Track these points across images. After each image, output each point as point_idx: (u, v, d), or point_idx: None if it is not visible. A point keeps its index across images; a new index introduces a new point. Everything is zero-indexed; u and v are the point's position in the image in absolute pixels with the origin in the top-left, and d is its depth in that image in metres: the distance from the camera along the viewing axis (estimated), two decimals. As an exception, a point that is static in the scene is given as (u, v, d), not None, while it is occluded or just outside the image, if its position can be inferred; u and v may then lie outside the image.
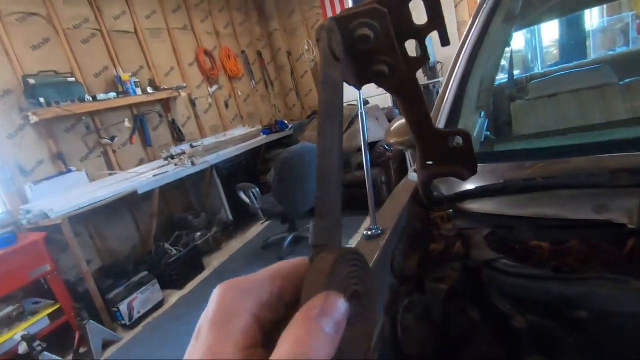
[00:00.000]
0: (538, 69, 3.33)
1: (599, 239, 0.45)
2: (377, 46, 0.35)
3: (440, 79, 4.80)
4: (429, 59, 0.38)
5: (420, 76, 5.03)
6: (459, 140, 0.49)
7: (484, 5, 1.10)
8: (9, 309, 2.71)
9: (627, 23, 3.45)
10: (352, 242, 3.63)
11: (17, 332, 2.58)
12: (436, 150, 0.51)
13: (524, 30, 3.68)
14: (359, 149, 4.24)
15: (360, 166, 4.26)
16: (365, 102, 4.85)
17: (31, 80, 3.21)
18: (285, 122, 5.60)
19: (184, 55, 4.86)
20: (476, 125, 1.25)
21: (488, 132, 1.31)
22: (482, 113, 1.41)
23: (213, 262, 4.01)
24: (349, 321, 0.26)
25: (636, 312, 0.34)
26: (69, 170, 3.47)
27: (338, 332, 0.20)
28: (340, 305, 0.21)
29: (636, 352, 0.34)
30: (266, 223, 4.59)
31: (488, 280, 0.47)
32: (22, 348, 2.48)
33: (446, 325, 0.53)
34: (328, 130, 0.28)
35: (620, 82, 1.45)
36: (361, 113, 0.80)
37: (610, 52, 3.02)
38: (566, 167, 0.54)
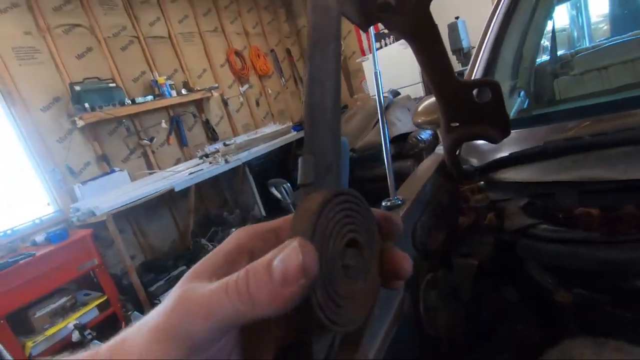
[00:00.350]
0: (585, 45, 3.05)
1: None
2: None
3: (476, 65, 4.56)
4: None
5: (455, 63, 4.82)
6: (487, 94, 0.43)
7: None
8: (64, 300, 2.92)
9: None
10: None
11: (71, 321, 2.77)
12: (462, 108, 0.46)
13: (568, 5, 3.39)
14: (392, 141, 4.13)
15: (395, 158, 4.15)
16: (396, 94, 4.73)
17: (77, 87, 3.43)
18: (316, 118, 5.60)
19: (215, 57, 4.99)
20: (514, 104, 1.15)
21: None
22: (522, 93, 1.30)
23: (248, 257, 4.09)
24: (347, 274, 0.23)
25: None
26: (113, 171, 3.68)
27: (286, 286, 0.17)
28: (293, 254, 0.17)
29: None
30: (298, 219, 4.61)
31: (525, 252, 0.41)
32: (75, 336, 2.66)
33: (477, 304, 0.47)
34: (318, 58, 0.25)
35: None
36: (376, 73, 0.75)
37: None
38: (619, 123, 0.46)
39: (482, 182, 0.58)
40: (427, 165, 0.68)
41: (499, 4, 1.11)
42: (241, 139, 4.80)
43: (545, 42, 1.95)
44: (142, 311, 3.14)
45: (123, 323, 2.99)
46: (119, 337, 0.21)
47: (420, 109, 1.23)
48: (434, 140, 4.16)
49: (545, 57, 1.99)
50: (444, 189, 0.59)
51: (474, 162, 0.65)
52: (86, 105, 3.38)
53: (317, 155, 0.24)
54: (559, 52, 2.21)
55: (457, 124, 0.48)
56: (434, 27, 0.36)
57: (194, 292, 0.19)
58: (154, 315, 0.20)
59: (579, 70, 1.44)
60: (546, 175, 0.49)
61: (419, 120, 1.19)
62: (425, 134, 4.14)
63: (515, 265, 0.46)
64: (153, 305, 3.28)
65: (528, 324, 0.41)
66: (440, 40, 0.37)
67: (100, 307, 3.02)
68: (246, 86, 5.37)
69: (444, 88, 0.42)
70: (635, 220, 0.40)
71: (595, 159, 0.45)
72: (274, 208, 4.46)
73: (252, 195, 4.54)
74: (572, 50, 2.29)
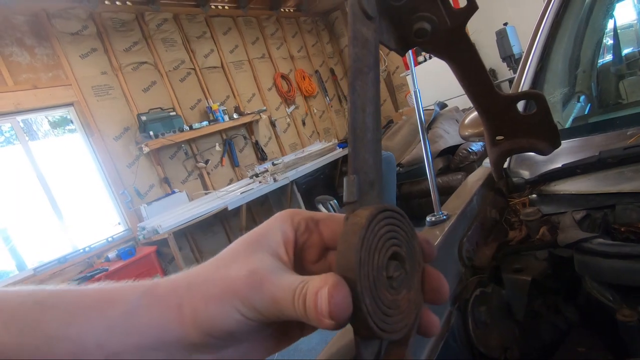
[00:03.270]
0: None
1: None
2: (415, 1, 0.33)
3: (530, 70, 4.31)
4: (477, 7, 0.34)
5: (505, 70, 4.62)
6: (533, 106, 0.42)
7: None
8: (131, 312, 3.16)
9: None
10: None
11: (137, 332, 2.99)
12: (506, 122, 0.45)
13: None
14: (439, 155, 4.02)
15: (441, 172, 4.02)
16: (443, 105, 4.61)
17: (143, 118, 3.81)
18: (361, 134, 5.62)
19: (263, 82, 5.27)
20: (573, 111, 1.09)
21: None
22: (582, 98, 1.22)
23: (297, 274, 4.14)
24: (391, 285, 0.24)
25: None
26: (173, 192, 3.98)
27: (323, 318, 0.20)
28: (323, 299, 0.20)
29: None
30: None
31: (583, 268, 0.39)
32: (141, 347, 2.86)
33: (535, 324, 0.45)
34: (358, 86, 0.27)
35: None
36: (415, 92, 0.76)
37: None
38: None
39: (533, 195, 0.55)
40: (474, 179, 0.67)
41: (547, 9, 1.07)
42: (289, 158, 4.95)
43: (609, 42, 1.81)
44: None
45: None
46: (183, 277, 0.24)
47: (466, 121, 1.20)
48: (486, 152, 3.97)
49: (608, 58, 1.83)
50: (493, 202, 0.57)
51: (525, 174, 0.63)
52: (151, 133, 3.74)
53: (360, 175, 0.26)
54: (626, 51, 2.02)
55: (502, 137, 0.47)
56: (470, 46, 0.37)
57: (268, 277, 0.22)
58: (224, 270, 0.24)
59: (649, 69, 1.32)
60: (605, 186, 0.46)
61: (466, 133, 1.16)
62: (477, 146, 3.97)
63: (574, 282, 0.43)
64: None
65: (591, 346, 0.38)
66: (478, 57, 0.37)
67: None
68: (292, 107, 5.57)
69: (485, 103, 0.42)
70: None
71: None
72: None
73: (300, 212, 4.63)
74: (640, 48, 2.09)
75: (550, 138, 0.45)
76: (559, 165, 0.54)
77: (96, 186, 3.71)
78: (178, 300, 0.22)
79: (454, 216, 0.49)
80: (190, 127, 4.05)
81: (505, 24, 4.34)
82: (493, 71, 4.86)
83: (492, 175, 0.61)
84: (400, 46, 0.36)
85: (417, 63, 5.48)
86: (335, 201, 3.69)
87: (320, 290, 0.20)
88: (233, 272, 0.23)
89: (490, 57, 4.74)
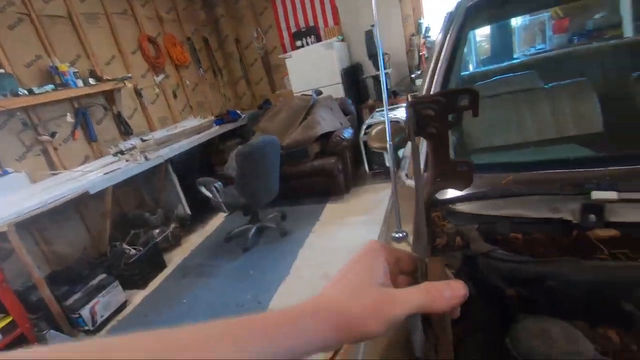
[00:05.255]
0: (473, 65, 3.63)
1: (554, 231, 0.66)
2: (433, 117, 0.52)
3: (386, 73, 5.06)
4: (460, 123, 0.54)
5: (370, 66, 5.25)
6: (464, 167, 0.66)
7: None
8: (-48, 328, 2.48)
9: (544, 22, 3.95)
10: (316, 229, 3.81)
11: (-34, 351, 2.38)
12: (446, 172, 0.68)
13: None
14: (317, 139, 4.38)
15: (317, 156, 4.41)
16: (319, 93, 4.99)
17: (-50, 72, 2.83)
18: (238, 112, 5.53)
19: (125, 43, 4.54)
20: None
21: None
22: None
23: (174, 258, 3.95)
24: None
25: (585, 280, 0.55)
26: (6, 172, 3.16)
27: (451, 300, 0.35)
28: (462, 289, 0.36)
29: (584, 306, 0.55)
30: (224, 215, 4.58)
31: (486, 266, 0.66)
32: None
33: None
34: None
35: (546, 86, 1.70)
36: (384, 87, 0.94)
37: (533, 50, 3.45)
38: (530, 179, 0.75)
39: (444, 211, 0.82)
40: (405, 198, 0.91)
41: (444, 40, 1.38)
42: (160, 134, 4.52)
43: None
44: (59, 328, 2.84)
45: (35, 344, 2.67)
46: (330, 304, 0.34)
47: (373, 134, 1.48)
48: (355, 139, 4.58)
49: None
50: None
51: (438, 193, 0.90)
52: (-34, 95, 2.83)
53: (419, 239, 0.43)
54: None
55: (439, 180, 0.70)
56: (447, 135, 0.57)
57: (391, 291, 0.35)
58: (355, 301, 0.34)
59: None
60: (489, 210, 0.76)
61: (375, 145, 1.43)
62: (347, 133, 4.51)
63: (478, 272, 0.71)
64: (70, 319, 2.95)
65: (490, 313, 0.66)
66: (448, 141, 0.58)
67: (4, 331, 2.64)
68: (162, 76, 5.02)
69: (442, 165, 0.63)
70: (541, 243, 0.68)
71: (519, 201, 0.73)
72: (199, 206, 4.36)
73: (175, 193, 4.35)
74: (468, 73, 2.78)
75: (466, 182, 0.71)
76: (460, 193, 0.81)
77: None
78: (334, 321, 0.33)
79: (409, 233, 0.70)
80: (30, 92, 3.22)
81: (372, 26, 4.94)
82: (360, 66, 5.48)
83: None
84: (415, 135, 0.54)
85: (294, 47, 5.66)
86: (220, 183, 3.65)
87: (451, 287, 0.35)
88: (367, 301, 0.34)
89: (360, 54, 5.34)
